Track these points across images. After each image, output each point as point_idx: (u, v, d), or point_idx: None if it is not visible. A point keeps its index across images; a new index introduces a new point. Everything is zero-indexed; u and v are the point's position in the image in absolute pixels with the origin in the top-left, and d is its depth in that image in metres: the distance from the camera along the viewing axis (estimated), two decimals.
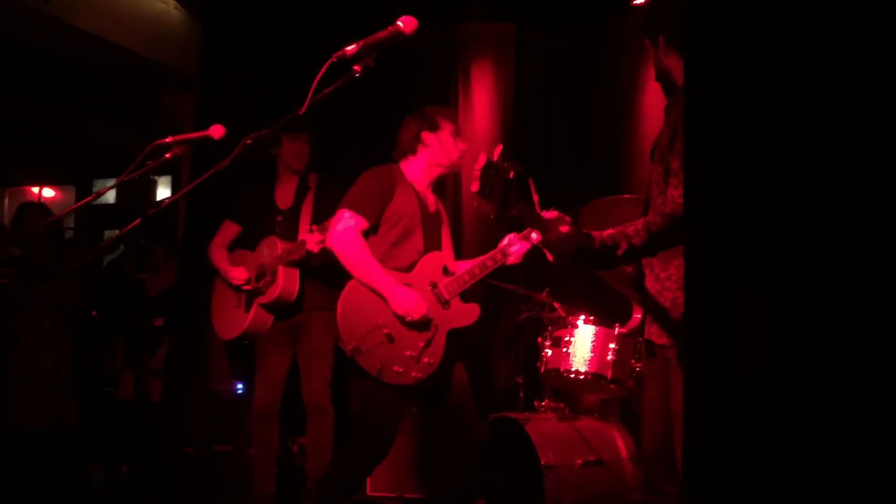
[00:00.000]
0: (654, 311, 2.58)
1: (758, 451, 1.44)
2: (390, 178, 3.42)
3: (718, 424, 1.51)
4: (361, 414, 3.34)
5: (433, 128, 3.47)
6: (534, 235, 2.46)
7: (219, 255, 4.21)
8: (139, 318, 5.09)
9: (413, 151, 3.48)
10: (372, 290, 3.26)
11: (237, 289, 4.10)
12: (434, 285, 3.35)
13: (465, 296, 3.42)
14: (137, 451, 4.94)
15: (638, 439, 3.88)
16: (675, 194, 2.36)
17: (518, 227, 2.86)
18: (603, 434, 3.95)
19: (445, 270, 3.42)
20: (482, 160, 2.31)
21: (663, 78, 2.62)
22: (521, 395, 4.43)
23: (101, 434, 5.17)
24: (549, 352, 4.04)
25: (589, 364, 3.88)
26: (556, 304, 4.24)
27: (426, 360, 3.26)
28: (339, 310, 3.27)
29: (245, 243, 4.22)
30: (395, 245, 3.35)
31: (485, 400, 4.91)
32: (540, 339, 4.17)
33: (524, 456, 3.78)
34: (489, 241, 3.88)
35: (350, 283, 3.30)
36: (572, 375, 3.91)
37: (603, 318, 3.99)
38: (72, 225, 9.27)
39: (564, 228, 2.39)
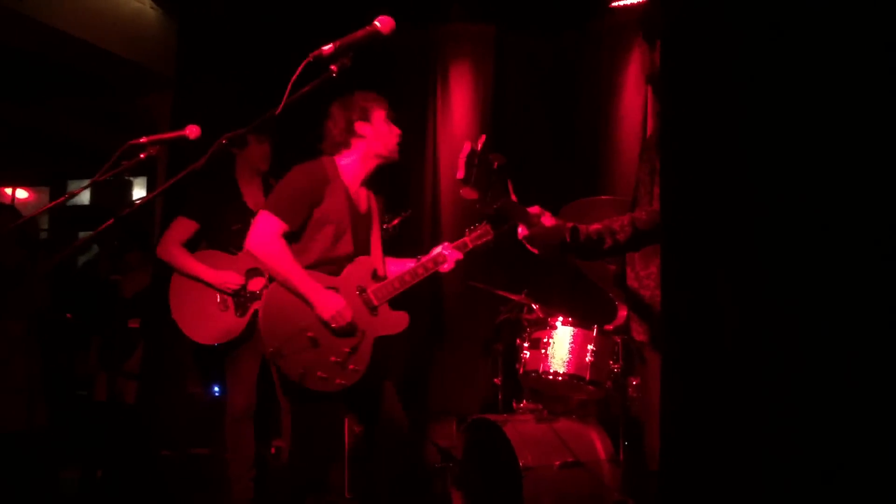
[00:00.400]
0: (634, 308, 2.61)
1: (735, 446, 1.44)
2: (320, 178, 3.22)
3: (696, 420, 1.51)
4: (297, 423, 3.19)
5: (365, 117, 3.28)
6: (520, 230, 2.47)
7: (183, 254, 4.03)
8: (113, 319, 5.04)
9: (346, 145, 3.29)
10: (296, 294, 3.11)
11: (227, 293, 3.99)
12: (362, 290, 3.22)
13: (396, 303, 3.32)
14: (113, 454, 4.89)
15: (616, 441, 3.89)
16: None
17: (501, 218, 2.79)
18: (581, 435, 3.95)
19: (374, 275, 3.28)
20: (467, 148, 2.32)
21: (655, 81, 2.59)
22: (500, 396, 4.43)
23: (75, 437, 5.11)
24: (528, 353, 4.04)
25: (567, 365, 3.88)
26: (535, 306, 4.24)
27: (352, 366, 3.12)
28: (261, 312, 3.16)
29: (199, 243, 4.12)
30: (326, 249, 3.20)
31: (463, 401, 4.92)
32: (518, 341, 4.17)
33: (502, 457, 3.78)
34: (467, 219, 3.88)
35: (273, 285, 3.17)
36: (550, 377, 3.91)
37: (581, 319, 3.99)
38: (46, 226, 9.16)
39: (548, 222, 2.40)
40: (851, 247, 1.36)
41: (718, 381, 1.48)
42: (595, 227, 2.41)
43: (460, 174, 2.31)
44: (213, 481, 4.45)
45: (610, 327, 3.93)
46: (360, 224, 3.31)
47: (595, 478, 3.83)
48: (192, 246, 4.11)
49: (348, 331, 3.13)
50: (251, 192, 4.15)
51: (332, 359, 3.09)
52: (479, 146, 2.33)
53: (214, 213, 4.08)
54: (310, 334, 3.10)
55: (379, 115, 3.31)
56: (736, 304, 1.47)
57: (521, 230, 2.47)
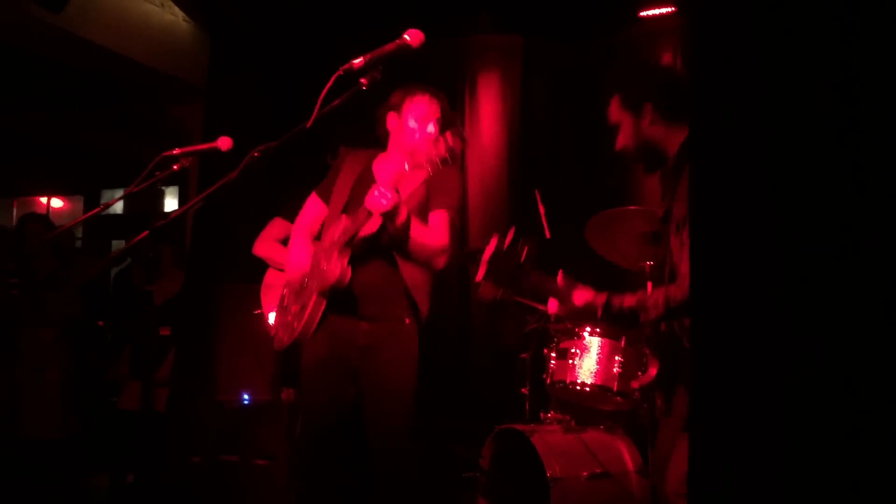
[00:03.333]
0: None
1: (763, 458, 1.44)
2: (341, 159, 3.29)
3: (724, 430, 1.50)
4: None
5: (397, 109, 3.18)
6: (551, 305, 2.54)
7: (281, 250, 4.00)
8: (147, 328, 5.09)
9: (385, 138, 3.24)
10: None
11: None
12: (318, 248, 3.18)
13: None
14: (143, 460, 4.94)
15: (644, 452, 3.87)
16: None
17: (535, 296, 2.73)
18: (609, 446, 3.94)
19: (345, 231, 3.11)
20: (491, 247, 2.32)
21: (645, 151, 2.51)
22: (527, 406, 4.42)
23: (106, 444, 5.17)
24: (555, 363, 4.04)
25: (595, 376, 3.87)
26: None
27: (295, 324, 3.11)
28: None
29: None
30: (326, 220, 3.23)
31: (491, 411, 4.92)
32: (546, 351, 4.17)
33: (530, 468, 3.77)
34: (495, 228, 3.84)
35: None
36: (578, 387, 3.90)
37: (609, 330, 3.98)
38: (80, 235, 9.31)
39: (580, 293, 2.40)
40: (887, 262, 1.35)
41: (748, 393, 1.48)
42: (629, 302, 2.40)
43: (479, 277, 2.33)
44: (241, 488, 4.48)
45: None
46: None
47: (623, 489, 3.81)
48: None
49: (301, 288, 3.16)
50: None
51: (289, 318, 3.18)
52: (507, 241, 2.34)
53: None
54: (283, 300, 3.28)
55: (409, 108, 3.15)
56: (767, 320, 1.46)
57: (552, 306, 2.50)
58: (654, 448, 2.82)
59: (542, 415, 4.21)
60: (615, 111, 2.55)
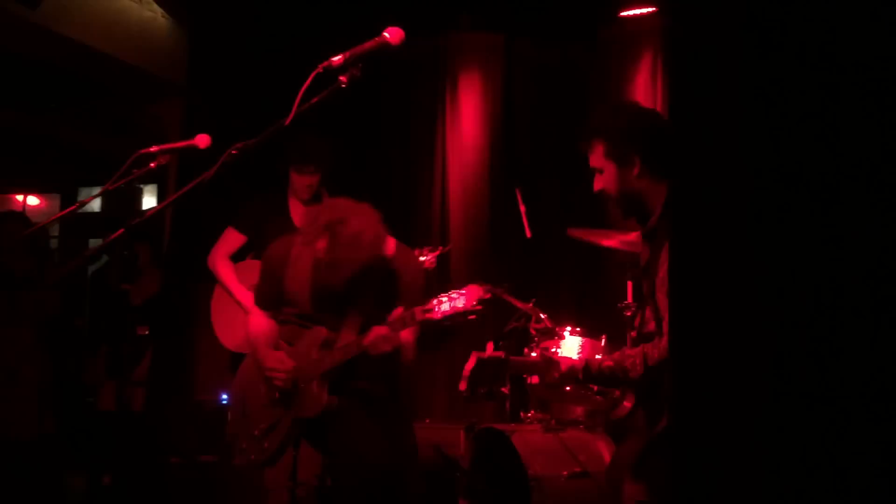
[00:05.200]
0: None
1: (745, 458, 1.44)
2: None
3: (704, 432, 1.50)
4: None
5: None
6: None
7: (228, 271, 4.08)
8: (123, 327, 5.05)
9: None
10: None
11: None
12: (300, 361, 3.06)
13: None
14: (120, 461, 4.90)
15: None
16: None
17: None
18: (589, 445, 3.94)
19: (326, 345, 3.03)
20: (472, 363, 2.37)
21: (628, 201, 2.46)
22: (508, 406, 4.41)
23: (83, 445, 5.12)
24: None
25: None
26: (543, 315, 4.23)
27: (266, 444, 3.04)
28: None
29: (245, 253, 4.16)
30: None
31: (470, 410, 4.92)
32: (526, 350, 4.16)
33: (510, 467, 3.77)
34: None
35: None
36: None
37: (590, 330, 3.99)
38: (56, 233, 9.21)
39: (559, 365, 2.43)
40: (867, 266, 1.35)
41: (729, 396, 1.47)
42: (608, 363, 2.43)
43: (462, 387, 2.39)
44: (220, 488, 4.45)
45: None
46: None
47: (602, 488, 3.82)
48: (239, 254, 4.17)
49: (273, 404, 3.05)
50: (299, 212, 4.16)
51: (255, 432, 3.06)
52: (487, 354, 2.42)
53: (262, 228, 4.10)
54: (244, 402, 3.15)
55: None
56: (747, 323, 1.46)
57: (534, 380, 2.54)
58: (618, 450, 2.84)
59: (522, 414, 4.20)
60: (598, 157, 2.49)
